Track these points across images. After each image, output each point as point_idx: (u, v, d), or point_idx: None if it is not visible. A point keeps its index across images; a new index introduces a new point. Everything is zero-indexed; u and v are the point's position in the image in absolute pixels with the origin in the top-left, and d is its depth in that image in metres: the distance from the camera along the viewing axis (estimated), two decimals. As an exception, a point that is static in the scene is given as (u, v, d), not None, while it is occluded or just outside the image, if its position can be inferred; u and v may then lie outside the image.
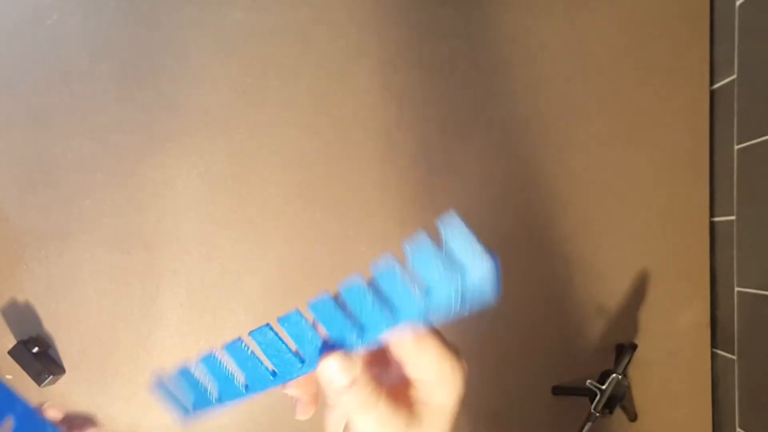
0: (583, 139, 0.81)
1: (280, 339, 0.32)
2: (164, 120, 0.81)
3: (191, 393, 0.34)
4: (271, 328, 0.32)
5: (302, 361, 0.31)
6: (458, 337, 0.83)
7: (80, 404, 0.81)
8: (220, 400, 0.34)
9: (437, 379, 0.29)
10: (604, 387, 0.74)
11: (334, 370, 0.27)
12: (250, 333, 0.33)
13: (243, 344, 0.33)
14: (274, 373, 0.32)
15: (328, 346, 0.29)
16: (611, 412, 0.75)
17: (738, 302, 0.76)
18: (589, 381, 0.75)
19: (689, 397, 0.81)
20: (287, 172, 0.81)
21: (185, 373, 0.34)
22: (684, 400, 0.81)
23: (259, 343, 0.32)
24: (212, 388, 0.34)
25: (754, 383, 0.72)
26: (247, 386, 0.33)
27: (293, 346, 0.31)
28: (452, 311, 0.28)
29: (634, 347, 0.77)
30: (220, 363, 0.33)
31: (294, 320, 0.31)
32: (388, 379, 0.30)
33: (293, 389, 0.31)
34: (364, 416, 0.27)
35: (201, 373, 0.34)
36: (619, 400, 0.75)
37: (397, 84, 0.81)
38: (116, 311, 0.81)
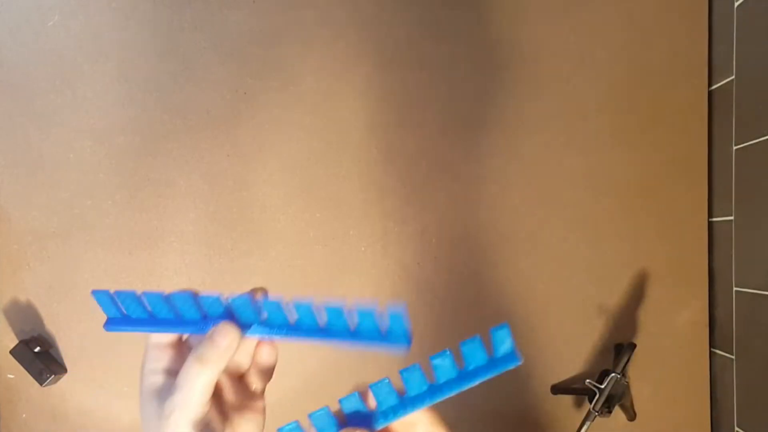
0: (583, 139, 0.81)
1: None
2: (165, 121, 0.81)
3: None
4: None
5: None
6: (458, 336, 0.84)
7: (82, 403, 0.82)
8: None
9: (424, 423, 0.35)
10: (603, 386, 0.75)
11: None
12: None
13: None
14: None
15: None
16: (610, 412, 0.76)
17: (736, 302, 0.76)
18: (588, 380, 0.76)
19: (688, 397, 0.81)
20: (288, 173, 0.81)
21: None
22: (682, 399, 0.81)
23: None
24: None
25: (752, 383, 0.73)
26: None
27: None
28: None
29: (633, 347, 0.77)
30: None
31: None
32: None
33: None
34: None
35: None
36: (618, 400, 0.75)
37: (397, 84, 0.81)
38: (117, 311, 0.81)
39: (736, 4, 0.75)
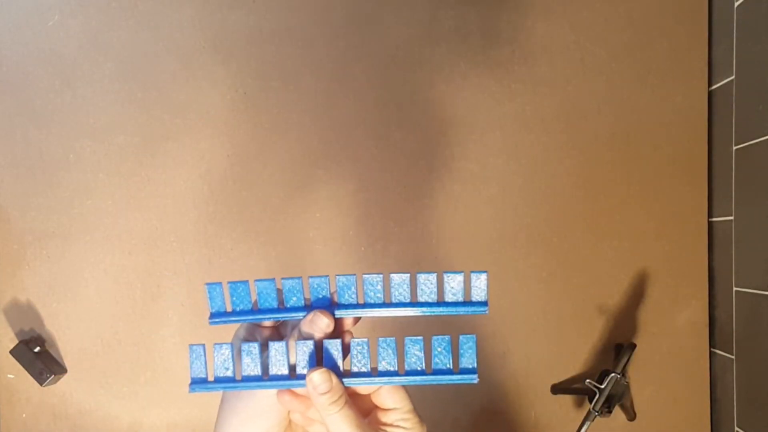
0: (583, 139, 0.81)
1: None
2: (165, 121, 0.81)
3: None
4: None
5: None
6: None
7: (82, 403, 0.82)
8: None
9: (402, 410, 0.40)
10: (603, 386, 0.75)
11: (318, 379, 0.38)
12: None
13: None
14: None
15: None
16: (610, 411, 0.76)
17: (736, 302, 0.76)
18: (588, 380, 0.76)
19: (688, 397, 0.81)
20: (287, 173, 0.81)
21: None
22: (683, 399, 0.81)
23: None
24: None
25: (752, 382, 0.73)
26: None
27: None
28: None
29: (633, 347, 0.77)
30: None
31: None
32: (356, 403, 0.41)
33: (290, 402, 0.40)
34: (332, 411, 0.38)
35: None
36: (618, 399, 0.75)
37: (397, 84, 0.81)
38: (117, 311, 0.81)
39: (736, 4, 0.75)
